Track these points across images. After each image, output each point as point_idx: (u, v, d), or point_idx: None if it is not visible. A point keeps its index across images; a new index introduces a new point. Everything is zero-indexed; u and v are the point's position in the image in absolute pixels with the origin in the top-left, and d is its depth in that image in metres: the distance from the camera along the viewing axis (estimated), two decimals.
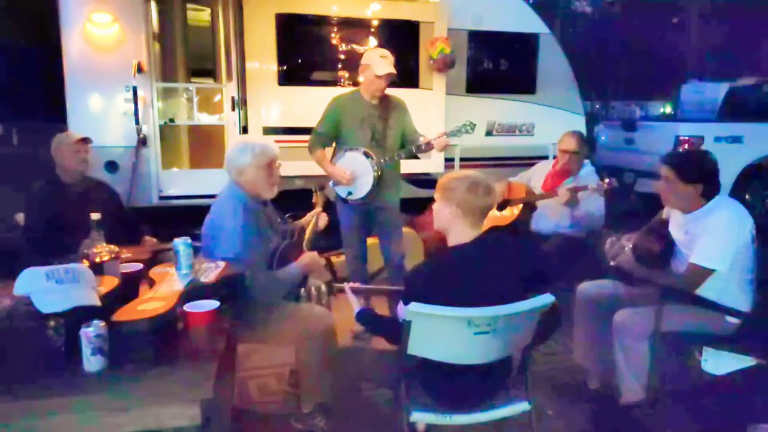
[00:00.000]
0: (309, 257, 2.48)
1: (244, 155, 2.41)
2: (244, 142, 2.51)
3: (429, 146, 3.35)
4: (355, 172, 3.35)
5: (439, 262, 2.06)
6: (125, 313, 1.67)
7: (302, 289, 2.29)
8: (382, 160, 3.33)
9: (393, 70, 3.29)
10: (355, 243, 3.58)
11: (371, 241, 3.70)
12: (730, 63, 14.41)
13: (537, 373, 2.43)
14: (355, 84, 5.26)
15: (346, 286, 2.26)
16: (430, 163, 5.35)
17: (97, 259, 2.00)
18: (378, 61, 3.27)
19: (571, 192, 3.49)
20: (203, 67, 6.56)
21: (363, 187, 3.37)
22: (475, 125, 3.33)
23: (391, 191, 3.52)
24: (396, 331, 1.90)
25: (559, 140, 3.79)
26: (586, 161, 3.82)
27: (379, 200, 3.46)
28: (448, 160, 5.51)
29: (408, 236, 4.23)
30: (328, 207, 2.95)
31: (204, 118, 6.15)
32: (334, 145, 3.51)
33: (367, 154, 3.32)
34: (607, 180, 3.46)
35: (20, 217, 3.14)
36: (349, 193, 3.41)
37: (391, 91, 3.49)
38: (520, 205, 3.89)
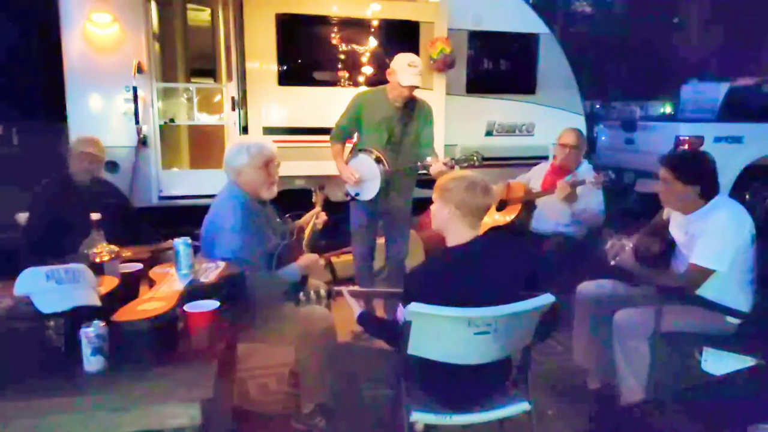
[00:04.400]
0: (308, 259, 2.48)
1: (240, 156, 2.40)
2: (240, 143, 2.50)
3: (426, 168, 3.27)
4: (363, 175, 3.36)
5: (438, 263, 2.06)
6: (125, 313, 1.67)
7: (301, 294, 2.29)
8: (393, 169, 3.32)
9: (417, 83, 3.23)
10: (363, 242, 3.59)
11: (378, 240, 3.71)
12: (730, 63, 14.40)
13: (537, 373, 2.43)
14: (356, 84, 5.29)
15: (344, 289, 2.26)
16: None
17: (97, 259, 2.00)
18: (405, 69, 3.22)
19: (570, 186, 3.45)
20: (203, 67, 6.56)
21: (370, 190, 3.38)
22: (483, 158, 3.20)
23: (402, 197, 3.51)
24: (395, 333, 1.90)
25: (559, 135, 3.79)
26: (584, 159, 3.82)
27: (387, 204, 3.47)
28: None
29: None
30: (328, 207, 2.94)
31: (204, 118, 6.15)
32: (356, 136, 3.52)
33: (378, 160, 3.31)
34: (603, 172, 3.45)
35: (21, 217, 3.14)
36: (357, 194, 3.42)
37: None
38: (520, 205, 3.89)
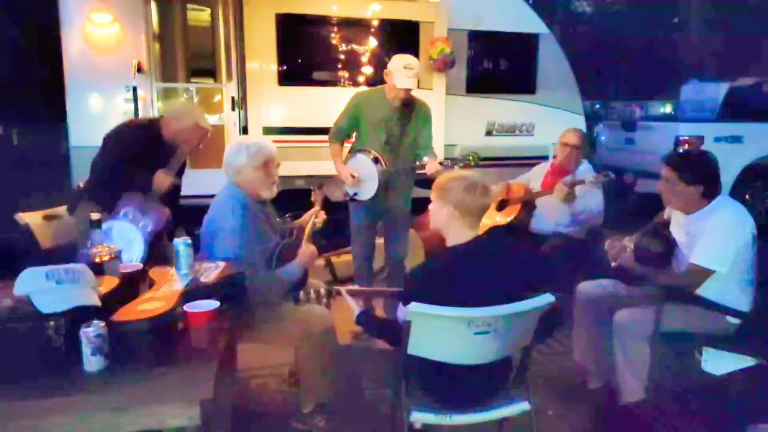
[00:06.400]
0: (307, 253, 2.46)
1: (239, 156, 2.40)
2: (239, 143, 2.50)
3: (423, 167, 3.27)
4: (361, 175, 3.36)
5: (437, 263, 2.06)
6: (125, 313, 1.67)
7: (301, 292, 2.29)
8: (391, 169, 3.32)
9: (412, 85, 3.23)
10: (362, 241, 3.59)
11: (377, 240, 3.71)
12: (730, 63, 14.42)
13: (537, 373, 2.43)
14: (356, 84, 5.29)
15: (343, 289, 2.26)
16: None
17: (97, 259, 2.00)
18: (400, 72, 3.20)
19: (568, 186, 3.46)
20: (203, 67, 6.56)
21: (368, 191, 3.38)
22: (480, 158, 3.20)
23: (401, 197, 3.52)
24: (395, 333, 1.90)
25: (561, 135, 3.79)
26: (584, 160, 3.82)
27: (386, 204, 3.48)
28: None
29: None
30: (328, 206, 2.94)
31: None
32: (354, 136, 3.52)
33: (376, 160, 3.32)
34: (603, 172, 3.46)
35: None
36: (356, 194, 3.43)
37: None
38: (519, 205, 3.89)
